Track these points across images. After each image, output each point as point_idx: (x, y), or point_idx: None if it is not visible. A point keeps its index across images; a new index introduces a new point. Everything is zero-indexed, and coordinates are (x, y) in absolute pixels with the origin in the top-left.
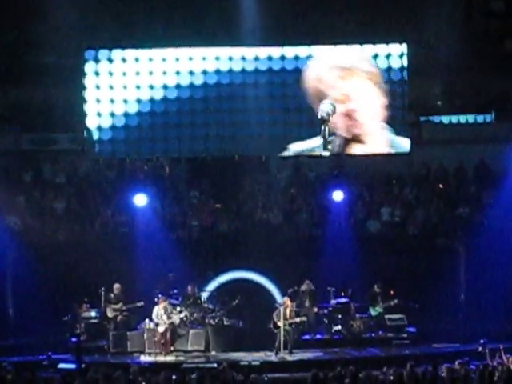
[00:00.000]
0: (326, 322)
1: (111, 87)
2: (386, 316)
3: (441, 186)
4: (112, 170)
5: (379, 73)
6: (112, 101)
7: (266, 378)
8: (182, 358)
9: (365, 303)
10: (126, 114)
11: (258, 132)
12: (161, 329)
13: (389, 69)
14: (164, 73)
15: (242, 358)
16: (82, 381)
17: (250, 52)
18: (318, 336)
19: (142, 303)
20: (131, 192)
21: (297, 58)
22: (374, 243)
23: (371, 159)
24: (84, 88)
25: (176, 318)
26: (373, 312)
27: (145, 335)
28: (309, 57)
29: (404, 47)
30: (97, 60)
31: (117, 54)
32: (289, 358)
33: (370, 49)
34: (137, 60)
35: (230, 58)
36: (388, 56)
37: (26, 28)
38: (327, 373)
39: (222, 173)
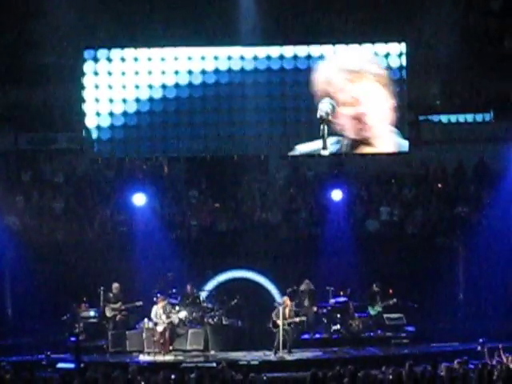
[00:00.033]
0: (325, 321)
1: (110, 87)
2: (385, 315)
3: (440, 185)
4: (111, 170)
5: (388, 74)
6: (111, 100)
7: (264, 378)
8: (180, 358)
9: (364, 302)
10: (124, 114)
11: (257, 131)
12: (160, 328)
13: (388, 68)
14: (163, 72)
15: (240, 358)
16: (81, 380)
17: (249, 51)
18: (317, 335)
19: (140, 303)
20: (130, 191)
21: (296, 57)
22: (372, 242)
23: (370, 159)
24: (83, 87)
25: (175, 318)
26: (372, 311)
27: (144, 335)
28: (308, 56)
29: (403, 46)
30: (96, 59)
31: (116, 53)
32: (288, 357)
33: (369, 48)
34: (136, 59)
35: (229, 58)
36: (387, 55)
37: (24, 27)
38: (326, 372)
39: (220, 172)
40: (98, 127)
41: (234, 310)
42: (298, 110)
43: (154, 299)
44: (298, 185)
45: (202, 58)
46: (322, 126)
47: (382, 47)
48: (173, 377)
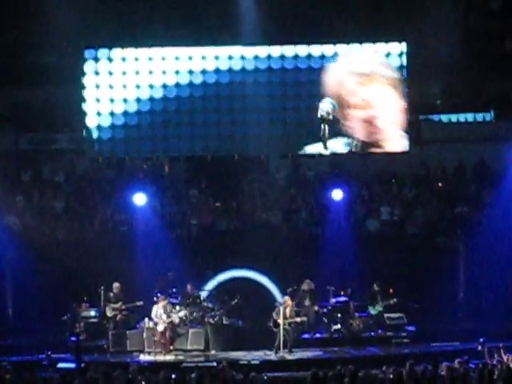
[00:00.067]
0: (326, 321)
1: (111, 86)
2: (386, 315)
3: (440, 184)
4: (111, 169)
5: (398, 76)
6: (111, 100)
7: (265, 377)
8: (181, 357)
9: (364, 302)
10: (125, 113)
11: (258, 131)
12: (160, 328)
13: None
14: (164, 72)
15: (241, 357)
16: (82, 380)
17: (250, 51)
18: (318, 335)
19: (141, 303)
20: (130, 191)
21: (296, 57)
22: (373, 242)
23: (371, 158)
24: (83, 87)
25: (175, 317)
26: (372, 311)
27: (144, 334)
28: (309, 56)
29: (403, 46)
30: (96, 59)
31: (116, 53)
32: (288, 357)
33: (369, 47)
34: (136, 59)
35: (230, 57)
36: (387, 55)
37: (25, 27)
38: (327, 372)
39: (221, 172)
40: (99, 127)
41: (235, 310)
42: (298, 109)
43: (155, 299)
44: (298, 184)
45: (203, 58)
46: (322, 126)
47: (382, 47)
48: (173, 376)
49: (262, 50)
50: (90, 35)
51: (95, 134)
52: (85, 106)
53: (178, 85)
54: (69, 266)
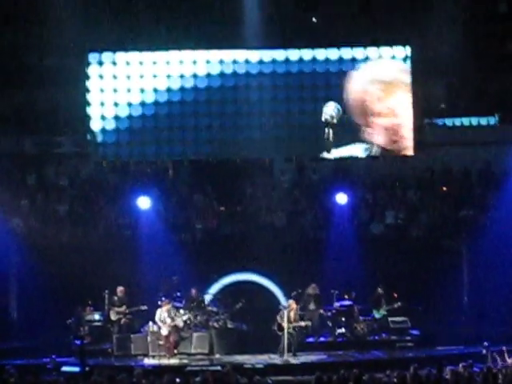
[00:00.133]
0: (330, 324)
1: (115, 90)
2: (390, 318)
3: (445, 188)
4: (115, 173)
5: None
6: (116, 104)
7: (269, 381)
8: (185, 361)
9: (368, 306)
10: (129, 117)
11: (262, 135)
12: (164, 332)
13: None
14: (168, 76)
15: (245, 361)
16: None
17: (254, 55)
18: (322, 339)
19: (145, 307)
20: (135, 195)
21: (301, 60)
22: (377, 246)
23: (375, 162)
24: (88, 91)
25: (179, 321)
26: (376, 315)
27: (148, 338)
28: (313, 60)
29: (408, 50)
30: (100, 63)
31: (120, 56)
32: (293, 360)
33: (374, 51)
34: (141, 63)
35: (234, 61)
36: (392, 58)
37: (29, 30)
38: (331, 375)
39: (225, 175)
40: (103, 130)
41: (239, 314)
42: (302, 113)
43: (159, 303)
44: (302, 188)
45: (207, 62)
46: (326, 130)
47: (387, 50)
48: (177, 380)
49: (267, 54)
50: (94, 39)
51: (99, 138)
52: (89, 110)
53: (182, 89)
54: (73, 269)
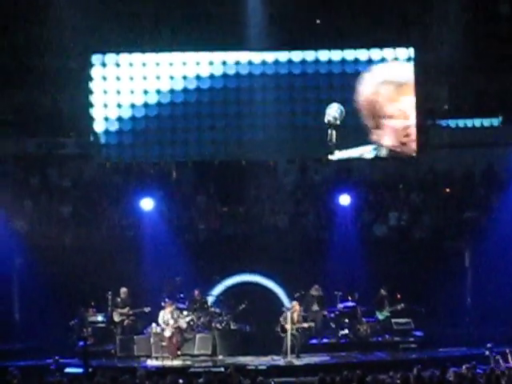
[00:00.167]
0: (333, 326)
1: (118, 92)
2: (393, 320)
3: (448, 190)
4: (119, 174)
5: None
6: (119, 105)
7: (272, 383)
8: (188, 362)
9: (371, 307)
10: (132, 118)
11: (265, 136)
12: (167, 333)
13: None
14: (171, 77)
15: (248, 362)
16: None
17: (257, 56)
18: (325, 340)
19: (149, 309)
20: (138, 196)
21: (304, 62)
22: (380, 247)
23: (378, 163)
24: (91, 92)
25: (183, 322)
26: (380, 316)
27: (152, 339)
28: (316, 61)
29: (411, 51)
30: (104, 64)
31: (124, 58)
32: (296, 362)
33: (377, 53)
34: (144, 64)
35: (237, 63)
36: (395, 60)
37: (32, 32)
38: (334, 377)
39: (228, 177)
40: (106, 132)
41: (242, 315)
42: (306, 114)
43: (162, 304)
44: (305, 189)
45: (210, 63)
46: (329, 131)
47: (390, 52)
48: (180, 381)
49: (270, 56)
50: (97, 40)
51: (103, 139)
52: (92, 111)
53: (185, 90)
54: (76, 270)
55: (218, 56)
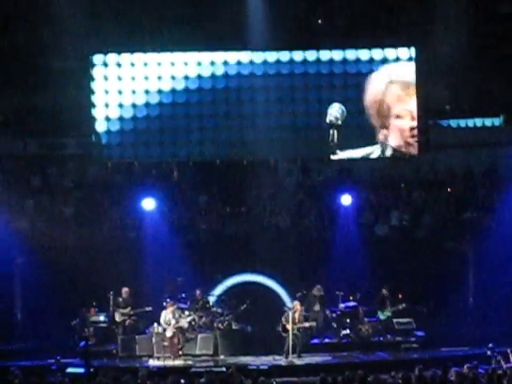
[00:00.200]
0: (335, 326)
1: (120, 92)
2: (395, 320)
3: (449, 189)
4: (120, 175)
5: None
6: (120, 105)
7: (274, 382)
8: (190, 362)
9: (373, 307)
10: (134, 119)
11: (267, 136)
12: (169, 333)
13: None
14: (173, 77)
15: (250, 362)
16: None
17: (259, 56)
18: (327, 340)
19: (150, 308)
20: (139, 196)
21: (305, 61)
22: (382, 247)
23: (379, 163)
24: (92, 92)
25: (184, 322)
26: (381, 316)
27: (153, 339)
28: (317, 61)
29: (412, 51)
30: (105, 64)
31: (125, 58)
32: (297, 362)
33: (378, 53)
34: (145, 64)
35: (239, 63)
36: (396, 60)
37: (33, 32)
38: (336, 377)
39: (230, 177)
40: (108, 132)
41: (244, 315)
42: (307, 114)
43: (164, 304)
44: (307, 189)
45: (212, 63)
46: (331, 131)
47: (391, 52)
48: (182, 381)
49: (271, 55)
50: (98, 40)
51: (104, 139)
52: (94, 111)
53: (187, 90)
54: (78, 270)
55: (220, 56)
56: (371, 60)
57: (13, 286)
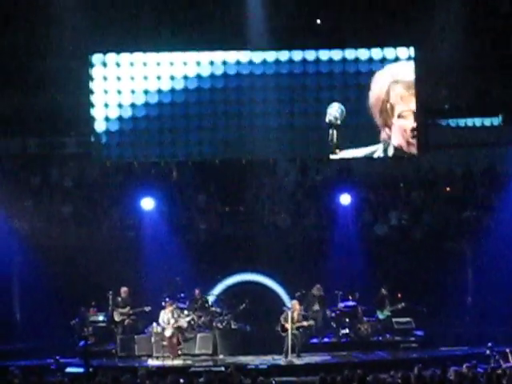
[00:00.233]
0: (334, 325)
1: (119, 91)
2: (394, 319)
3: (448, 189)
4: (119, 174)
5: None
6: (120, 105)
7: (273, 382)
8: (189, 362)
9: (372, 306)
10: (133, 118)
11: (266, 136)
12: (168, 333)
13: None
14: (172, 77)
15: (249, 362)
16: None
17: (258, 56)
18: (326, 339)
19: (149, 308)
20: (138, 196)
21: (304, 61)
22: (381, 246)
23: (379, 163)
24: (91, 92)
25: (183, 322)
26: (380, 315)
27: (152, 339)
28: (317, 60)
29: (411, 51)
30: (104, 64)
31: (124, 58)
32: (296, 361)
33: (377, 52)
34: (144, 64)
35: (238, 62)
36: (396, 59)
37: (33, 31)
38: (335, 376)
39: (229, 176)
40: (107, 132)
41: (243, 314)
42: (306, 114)
43: (163, 303)
44: (306, 189)
45: (211, 63)
46: (330, 131)
47: (390, 51)
48: (181, 381)
49: (270, 55)
50: (97, 40)
51: (103, 139)
52: (93, 111)
53: (186, 90)
54: (77, 270)
55: (219, 55)
56: (370, 60)
57: (12, 286)
